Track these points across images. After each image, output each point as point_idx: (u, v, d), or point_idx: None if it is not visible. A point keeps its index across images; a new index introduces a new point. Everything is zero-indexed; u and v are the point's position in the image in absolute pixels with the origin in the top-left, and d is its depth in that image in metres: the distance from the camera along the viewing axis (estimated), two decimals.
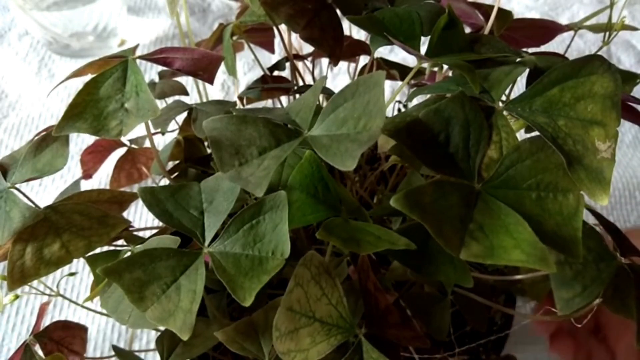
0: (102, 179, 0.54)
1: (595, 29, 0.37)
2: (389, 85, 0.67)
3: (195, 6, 0.77)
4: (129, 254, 0.32)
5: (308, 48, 0.40)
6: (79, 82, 0.30)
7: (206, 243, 0.27)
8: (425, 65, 0.35)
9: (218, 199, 0.28)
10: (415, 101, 0.33)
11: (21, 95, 0.68)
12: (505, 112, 0.26)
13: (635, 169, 0.62)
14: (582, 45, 0.74)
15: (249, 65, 0.70)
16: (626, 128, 0.66)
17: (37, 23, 0.68)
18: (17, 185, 0.31)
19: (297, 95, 0.37)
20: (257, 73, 0.52)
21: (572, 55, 0.40)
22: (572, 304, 0.26)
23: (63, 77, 0.66)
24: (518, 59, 0.29)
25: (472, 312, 0.34)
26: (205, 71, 0.32)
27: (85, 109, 0.29)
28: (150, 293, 0.26)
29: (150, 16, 0.75)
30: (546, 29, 0.36)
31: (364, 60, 0.44)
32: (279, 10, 0.32)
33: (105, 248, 0.34)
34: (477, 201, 0.24)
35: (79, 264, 0.51)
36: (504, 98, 0.27)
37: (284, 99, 0.41)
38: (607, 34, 0.35)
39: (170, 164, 0.39)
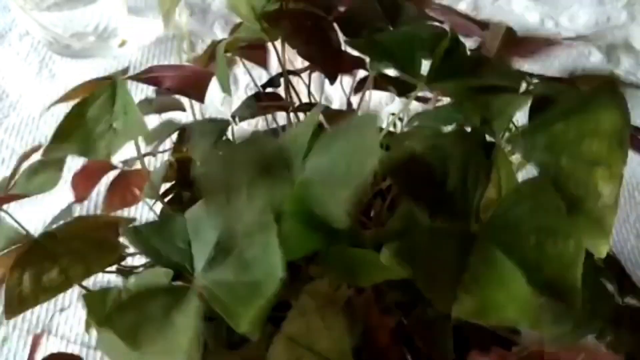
0: (96, 198, 0.54)
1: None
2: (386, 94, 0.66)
3: (195, 6, 0.76)
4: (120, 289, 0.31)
5: (303, 62, 0.39)
6: (79, 82, 0.30)
7: (196, 274, 0.26)
8: None
9: (204, 226, 0.27)
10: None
11: (22, 95, 0.68)
12: (506, 147, 0.25)
13: (635, 169, 0.61)
14: (581, 46, 0.72)
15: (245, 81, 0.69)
16: None
17: (37, 23, 0.68)
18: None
19: (293, 115, 0.36)
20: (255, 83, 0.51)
21: (572, 56, 0.38)
22: (561, 340, 0.26)
23: (64, 77, 0.65)
24: (523, 85, 0.28)
25: (474, 332, 0.34)
26: (195, 89, 0.31)
27: (74, 131, 0.29)
28: (144, 334, 0.25)
29: (150, 16, 0.74)
30: (547, 45, 0.35)
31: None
32: (278, 26, 0.31)
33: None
34: (474, 247, 0.23)
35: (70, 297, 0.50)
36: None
37: (279, 115, 0.40)
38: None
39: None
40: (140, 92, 0.35)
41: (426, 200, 0.24)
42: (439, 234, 0.23)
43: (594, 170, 0.23)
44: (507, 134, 0.26)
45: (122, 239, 0.33)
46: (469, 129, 0.26)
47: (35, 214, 0.33)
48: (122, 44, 0.71)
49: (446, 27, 0.31)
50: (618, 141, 0.24)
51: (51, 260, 0.30)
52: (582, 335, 0.25)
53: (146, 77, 0.31)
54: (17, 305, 0.30)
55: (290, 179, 0.26)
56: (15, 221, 0.31)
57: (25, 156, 0.34)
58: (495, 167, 0.24)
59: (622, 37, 0.71)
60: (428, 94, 0.40)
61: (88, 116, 0.29)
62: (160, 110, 0.38)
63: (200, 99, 0.31)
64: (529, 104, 0.27)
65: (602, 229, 0.22)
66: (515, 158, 0.26)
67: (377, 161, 0.22)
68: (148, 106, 0.38)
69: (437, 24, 0.32)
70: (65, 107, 0.29)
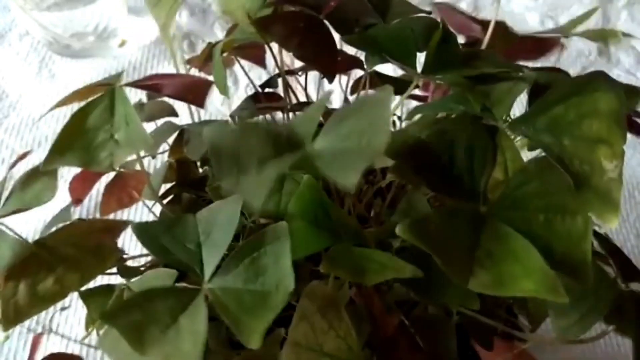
0: (91, 201, 0.53)
1: (590, 36, 0.36)
2: None
3: (196, 6, 0.77)
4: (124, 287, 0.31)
5: (299, 62, 0.39)
6: (79, 83, 0.30)
7: (206, 278, 0.26)
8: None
9: (215, 231, 0.27)
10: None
11: (22, 95, 0.68)
12: (508, 132, 0.25)
13: (635, 169, 0.61)
14: (581, 45, 0.73)
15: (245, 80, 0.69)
16: None
17: (37, 23, 0.68)
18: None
19: (292, 114, 0.36)
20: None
21: (571, 56, 0.39)
22: (569, 332, 0.26)
23: (64, 77, 0.64)
24: (519, 74, 0.28)
25: (478, 332, 0.34)
26: (195, 96, 0.31)
27: (74, 141, 0.28)
28: (148, 335, 0.25)
29: (150, 16, 0.75)
30: (542, 44, 0.36)
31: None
32: (271, 30, 0.31)
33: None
34: (484, 226, 0.23)
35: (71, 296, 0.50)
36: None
37: (278, 115, 0.40)
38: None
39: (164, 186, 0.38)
40: (135, 94, 0.35)
41: (434, 183, 0.24)
42: (449, 213, 0.23)
43: (597, 148, 0.24)
44: (507, 120, 0.26)
45: (119, 243, 0.32)
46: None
47: (33, 215, 0.32)
48: (122, 44, 0.71)
49: (436, 18, 0.32)
50: (616, 121, 0.24)
51: (46, 269, 0.29)
52: (590, 323, 0.25)
53: (145, 84, 0.31)
54: (12, 316, 0.29)
55: (301, 152, 0.25)
56: (13, 232, 0.30)
57: (13, 165, 0.34)
58: (500, 149, 0.24)
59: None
60: (425, 93, 0.41)
61: (87, 126, 0.28)
62: (153, 116, 0.37)
63: (201, 105, 0.31)
64: (525, 92, 0.28)
65: (611, 201, 0.23)
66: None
67: (389, 138, 0.22)
68: (140, 111, 0.38)
69: (426, 15, 0.32)
70: (66, 108, 0.29)
